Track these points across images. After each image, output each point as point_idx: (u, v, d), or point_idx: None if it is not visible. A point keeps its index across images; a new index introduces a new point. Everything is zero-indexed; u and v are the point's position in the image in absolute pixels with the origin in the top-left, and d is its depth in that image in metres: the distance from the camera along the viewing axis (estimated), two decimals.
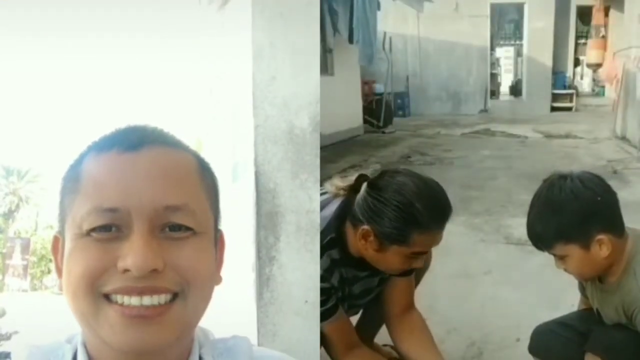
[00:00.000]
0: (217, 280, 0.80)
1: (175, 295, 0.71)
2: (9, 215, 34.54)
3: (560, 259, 1.81)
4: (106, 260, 0.70)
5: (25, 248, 26.01)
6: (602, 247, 1.73)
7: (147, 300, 0.69)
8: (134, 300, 0.69)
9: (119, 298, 0.69)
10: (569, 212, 1.74)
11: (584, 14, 13.66)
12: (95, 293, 0.70)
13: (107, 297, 0.70)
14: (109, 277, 0.69)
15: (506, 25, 15.17)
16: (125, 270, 0.69)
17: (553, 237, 1.77)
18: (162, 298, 0.70)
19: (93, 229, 0.70)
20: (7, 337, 7.64)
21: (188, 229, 0.73)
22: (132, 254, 0.68)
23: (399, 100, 12.72)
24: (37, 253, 26.72)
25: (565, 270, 1.85)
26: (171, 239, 0.72)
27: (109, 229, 0.71)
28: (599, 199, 1.74)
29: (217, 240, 0.81)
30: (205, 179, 0.79)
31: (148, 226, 0.70)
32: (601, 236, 1.72)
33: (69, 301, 0.72)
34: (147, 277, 0.69)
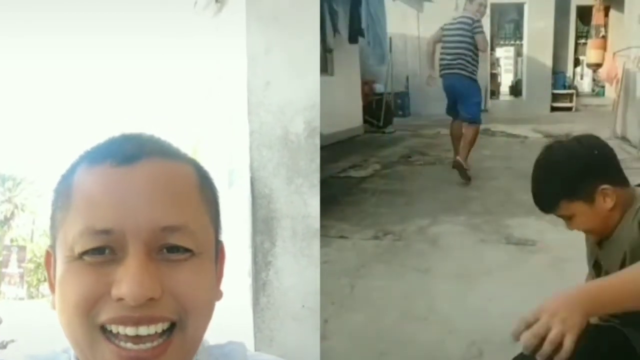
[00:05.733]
0: (218, 295, 0.76)
1: (173, 325, 0.68)
2: (5, 222, 34.47)
3: (569, 219, 1.83)
4: (100, 286, 0.66)
5: (22, 256, 25.99)
6: (606, 198, 1.74)
7: (143, 330, 0.66)
8: (130, 331, 0.65)
9: (114, 328, 0.66)
10: (568, 169, 1.77)
11: (584, 14, 13.64)
12: (90, 324, 0.66)
13: (102, 328, 0.66)
14: (103, 304, 0.66)
15: (506, 25, 15.14)
16: (120, 299, 0.65)
17: (557, 197, 1.79)
18: (160, 327, 0.67)
19: (85, 252, 0.66)
20: (3, 345, 7.64)
21: (187, 250, 0.69)
22: (127, 281, 0.64)
23: (399, 100, 12.69)
24: (34, 261, 26.69)
25: (577, 229, 1.87)
26: (169, 261, 0.68)
27: (102, 252, 0.66)
28: (595, 152, 1.78)
29: (218, 253, 0.77)
30: (205, 192, 0.74)
31: (144, 249, 0.66)
32: (604, 186, 1.74)
33: (63, 327, 0.69)
34: (144, 305, 0.65)
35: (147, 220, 0.66)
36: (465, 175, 6.02)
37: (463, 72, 6.06)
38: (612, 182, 1.77)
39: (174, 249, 0.68)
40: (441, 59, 6.23)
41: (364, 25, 7.73)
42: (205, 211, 0.73)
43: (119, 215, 0.66)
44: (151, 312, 0.65)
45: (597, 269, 1.99)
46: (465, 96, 6.11)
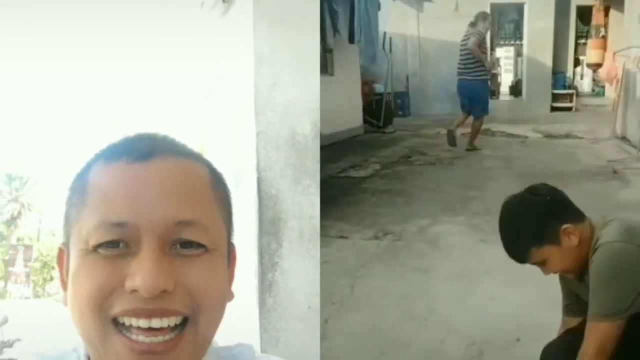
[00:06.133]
0: (229, 297, 0.76)
1: (185, 320, 0.68)
2: (12, 222, 34.65)
3: (543, 264, 1.96)
4: (114, 278, 0.66)
5: (28, 255, 26.01)
6: (570, 236, 1.88)
7: (156, 322, 0.66)
8: (142, 323, 0.66)
9: (126, 320, 0.66)
10: (529, 218, 1.93)
11: (584, 14, 13.64)
12: (103, 317, 0.67)
13: (115, 321, 0.67)
14: (117, 297, 0.66)
15: (506, 25, 15.14)
16: (134, 291, 0.65)
17: (527, 247, 1.93)
18: (172, 320, 0.67)
19: (100, 245, 0.67)
20: (9, 344, 7.64)
21: (200, 245, 0.69)
22: (140, 274, 0.65)
23: (399, 100, 12.68)
24: (40, 260, 26.70)
25: (554, 272, 2.02)
26: (182, 256, 0.68)
27: (117, 245, 0.67)
28: (548, 198, 1.93)
29: (230, 254, 0.77)
30: (218, 191, 0.75)
31: (158, 243, 0.67)
32: (565, 226, 1.87)
33: (76, 322, 0.69)
34: (157, 298, 0.65)
35: (161, 215, 0.67)
36: (473, 146, 7.96)
37: (469, 77, 7.76)
38: (571, 220, 1.90)
39: (187, 244, 0.69)
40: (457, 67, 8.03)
41: (356, 24, 7.75)
42: (218, 210, 0.74)
43: (133, 209, 0.67)
44: (164, 304, 0.66)
45: (576, 297, 2.11)
46: (473, 97, 7.85)
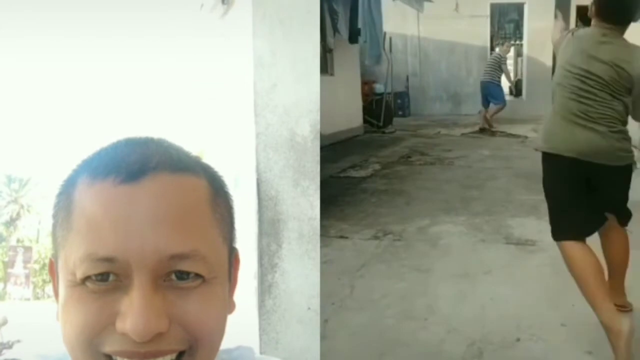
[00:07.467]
0: (231, 309, 0.72)
1: (181, 353, 0.64)
2: (11, 223, 34.62)
3: None
4: (103, 317, 0.61)
5: (27, 256, 25.99)
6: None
7: None
8: None
9: (119, 359, 0.62)
10: None
11: (584, 14, 13.64)
12: (94, 352, 0.62)
13: (107, 356, 0.63)
14: (107, 335, 0.61)
15: (506, 25, 15.14)
16: (125, 333, 0.60)
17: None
18: (167, 358, 0.62)
19: (88, 277, 0.62)
20: (9, 345, 7.64)
21: (197, 276, 0.64)
22: (131, 317, 0.60)
23: (399, 100, 12.70)
24: (39, 261, 26.65)
25: None
26: (177, 288, 0.63)
27: (106, 278, 0.62)
28: None
29: (232, 262, 0.72)
30: (218, 209, 0.68)
31: (150, 278, 0.61)
32: None
33: (67, 351, 0.65)
34: (150, 340, 0.60)
35: (153, 249, 0.61)
36: (491, 132, 10.06)
37: (490, 80, 10.46)
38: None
39: (183, 274, 0.63)
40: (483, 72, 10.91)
41: (360, 24, 7.75)
42: (218, 231, 0.68)
43: (122, 242, 0.61)
44: (158, 346, 0.62)
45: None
46: (492, 93, 10.48)
